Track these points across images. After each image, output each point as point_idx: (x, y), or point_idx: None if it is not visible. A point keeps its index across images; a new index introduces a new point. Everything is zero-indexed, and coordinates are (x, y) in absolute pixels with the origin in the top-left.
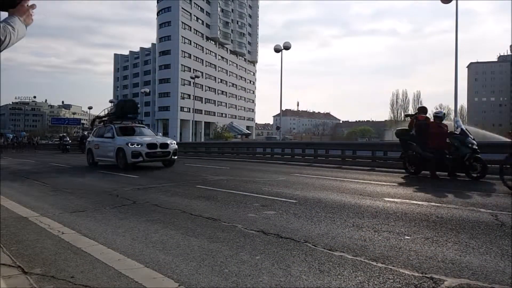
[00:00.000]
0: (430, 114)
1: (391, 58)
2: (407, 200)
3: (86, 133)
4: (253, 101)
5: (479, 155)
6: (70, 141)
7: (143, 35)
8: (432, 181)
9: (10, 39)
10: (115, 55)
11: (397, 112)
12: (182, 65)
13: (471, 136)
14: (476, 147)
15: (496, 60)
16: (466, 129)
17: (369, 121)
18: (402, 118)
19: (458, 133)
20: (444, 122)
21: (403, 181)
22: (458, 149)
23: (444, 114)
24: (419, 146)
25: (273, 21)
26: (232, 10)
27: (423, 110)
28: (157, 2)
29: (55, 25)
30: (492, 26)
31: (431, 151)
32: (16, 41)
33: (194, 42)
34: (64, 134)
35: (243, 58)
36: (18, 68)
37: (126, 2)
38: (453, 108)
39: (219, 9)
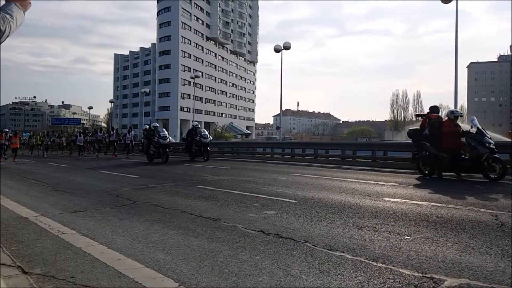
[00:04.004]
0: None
1: (389, 58)
2: (407, 200)
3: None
4: (253, 101)
5: (497, 155)
6: (170, 140)
7: (138, 35)
8: (445, 182)
9: (11, 28)
10: (115, 55)
11: (397, 112)
12: (182, 65)
13: (488, 136)
14: (494, 147)
15: (496, 60)
16: (482, 128)
17: (369, 121)
18: (414, 118)
19: (474, 132)
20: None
21: (418, 183)
22: (475, 149)
23: (462, 113)
24: (433, 147)
25: (268, 21)
26: (232, 10)
27: (435, 109)
28: (157, 2)
29: (49, 24)
30: (487, 26)
31: (445, 152)
32: (16, 29)
33: (194, 42)
34: (154, 125)
35: (243, 58)
36: (17, 68)
37: (119, 2)
38: (453, 108)
39: (219, 9)
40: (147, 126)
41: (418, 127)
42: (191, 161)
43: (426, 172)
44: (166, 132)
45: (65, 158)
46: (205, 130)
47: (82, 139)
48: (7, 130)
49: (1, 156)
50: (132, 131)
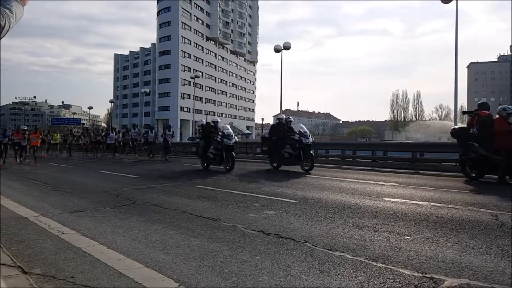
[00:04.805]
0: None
1: (389, 58)
2: (407, 200)
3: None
4: (253, 101)
5: None
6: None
7: (137, 35)
8: (501, 187)
9: (10, 23)
10: (115, 55)
11: (397, 112)
12: (182, 65)
13: None
14: None
15: (496, 60)
16: None
17: (369, 121)
18: (462, 116)
19: None
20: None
21: (473, 188)
22: None
23: None
24: (482, 147)
25: (266, 21)
26: (232, 10)
27: (484, 106)
28: (157, 2)
29: (48, 24)
30: (486, 26)
31: (498, 152)
32: (15, 24)
33: (194, 42)
34: (214, 121)
35: (243, 58)
36: (17, 68)
37: (118, 2)
38: (453, 108)
39: (219, 9)
40: (204, 122)
41: (464, 126)
42: (275, 170)
43: (474, 175)
44: (231, 130)
45: (88, 161)
46: (303, 126)
47: (114, 136)
48: (25, 127)
49: (17, 157)
50: (172, 130)
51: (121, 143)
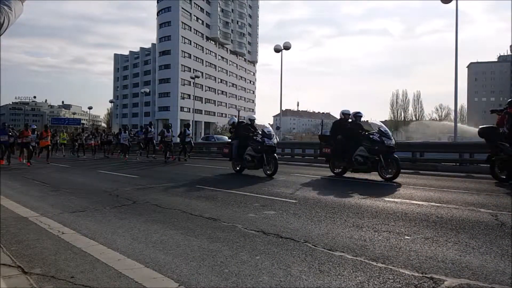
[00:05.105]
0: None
1: (388, 58)
2: (407, 200)
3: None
4: (253, 101)
5: None
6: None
7: (136, 35)
8: None
9: (9, 20)
10: (115, 55)
11: (397, 112)
12: (182, 65)
13: None
14: None
15: (496, 60)
16: None
17: (369, 121)
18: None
19: None
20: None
21: (508, 191)
22: None
23: None
24: None
25: (266, 21)
26: (232, 10)
27: None
28: (157, 2)
29: (47, 24)
30: (486, 26)
31: None
32: (15, 21)
33: (194, 42)
34: (250, 118)
35: (243, 58)
36: (17, 68)
37: (117, 2)
38: (453, 108)
39: (219, 9)
40: (235, 120)
41: (492, 125)
42: (339, 176)
43: (503, 177)
44: (271, 129)
45: (97, 162)
46: (382, 124)
47: (127, 136)
48: (35, 126)
49: (25, 156)
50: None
51: (131, 143)
